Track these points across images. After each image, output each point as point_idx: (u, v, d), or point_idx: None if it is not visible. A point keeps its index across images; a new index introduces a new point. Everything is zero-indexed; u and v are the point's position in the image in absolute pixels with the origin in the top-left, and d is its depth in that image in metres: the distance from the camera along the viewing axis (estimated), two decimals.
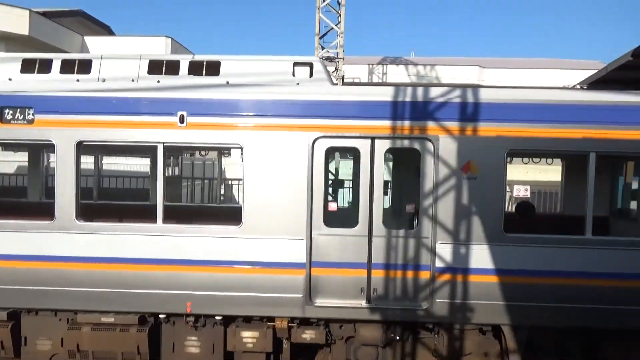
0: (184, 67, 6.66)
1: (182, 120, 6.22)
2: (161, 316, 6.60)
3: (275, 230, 6.29)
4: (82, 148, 6.34)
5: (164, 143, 6.29)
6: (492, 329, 6.62)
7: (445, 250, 6.29)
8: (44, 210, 6.85)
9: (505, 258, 6.24)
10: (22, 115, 6.19)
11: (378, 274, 6.36)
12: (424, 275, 6.33)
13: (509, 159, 6.41)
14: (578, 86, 9.76)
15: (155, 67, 6.63)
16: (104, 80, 6.50)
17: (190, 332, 6.62)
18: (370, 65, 23.48)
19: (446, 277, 6.31)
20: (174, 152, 7.59)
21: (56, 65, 6.61)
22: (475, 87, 6.56)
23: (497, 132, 6.25)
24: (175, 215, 6.91)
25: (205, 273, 6.29)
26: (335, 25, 16.60)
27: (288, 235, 6.29)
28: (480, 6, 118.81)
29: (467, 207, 6.27)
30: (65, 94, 6.28)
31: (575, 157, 7.30)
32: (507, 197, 13.98)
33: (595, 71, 9.31)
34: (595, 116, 6.25)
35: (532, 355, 6.55)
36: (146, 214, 6.79)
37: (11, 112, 6.19)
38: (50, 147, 6.65)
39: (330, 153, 6.62)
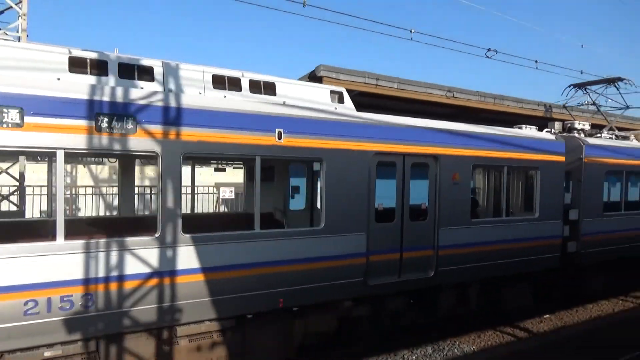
0: (245, 84, 7.26)
1: (279, 136, 6.99)
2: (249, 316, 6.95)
3: (347, 228, 7.59)
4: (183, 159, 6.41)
5: (261, 156, 6.88)
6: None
7: None
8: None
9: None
10: (121, 125, 5.94)
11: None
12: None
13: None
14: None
15: (218, 81, 7.08)
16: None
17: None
18: None
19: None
20: (267, 163, 8.16)
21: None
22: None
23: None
24: (266, 222, 7.45)
25: (295, 270, 7.13)
26: (16, 5, 12.50)
27: (355, 231, 7.65)
28: None
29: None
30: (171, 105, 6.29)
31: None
32: (216, 198, 16.56)
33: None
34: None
35: None
36: (243, 222, 7.46)
37: (109, 120, 5.85)
38: (151, 158, 6.66)
39: (379, 165, 8.06)
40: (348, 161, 7.57)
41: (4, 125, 5.32)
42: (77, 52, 6.27)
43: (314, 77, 11.70)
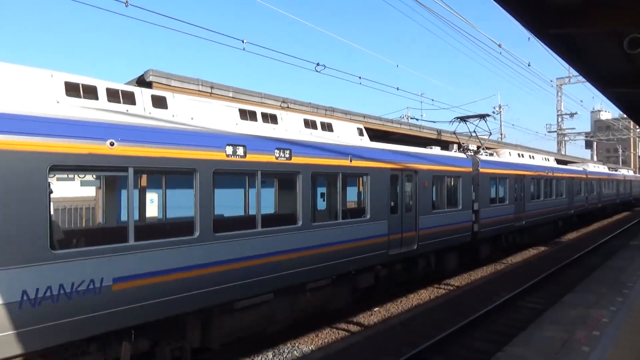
0: (318, 125, 10.55)
1: (351, 160, 10.62)
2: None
3: (379, 217, 11.45)
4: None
5: (342, 172, 10.55)
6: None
7: None
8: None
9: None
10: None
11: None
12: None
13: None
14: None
15: (310, 123, 10.33)
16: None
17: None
18: None
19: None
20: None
21: (259, 116, 9.20)
22: None
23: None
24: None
25: (357, 246, 10.74)
26: None
27: (382, 220, 11.55)
28: None
29: None
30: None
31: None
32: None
33: None
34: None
35: None
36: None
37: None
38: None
39: (395, 177, 12.27)
40: (380, 175, 11.53)
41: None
42: None
43: (142, 82, 11.03)
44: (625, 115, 18.25)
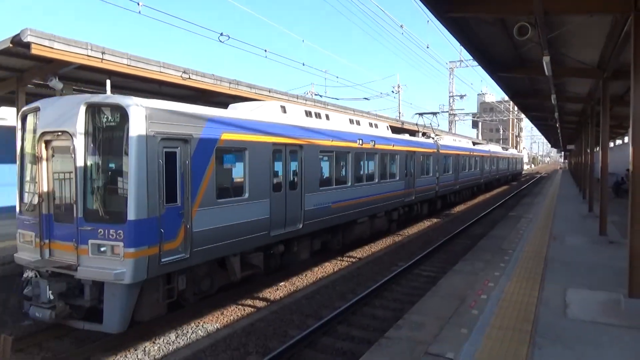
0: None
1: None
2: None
3: (401, 178, 19.22)
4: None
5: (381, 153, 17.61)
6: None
7: None
8: None
9: None
10: None
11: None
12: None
13: None
14: None
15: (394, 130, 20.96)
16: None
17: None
18: None
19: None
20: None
21: (363, 123, 17.37)
22: None
23: None
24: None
25: (388, 196, 18.03)
26: None
27: (401, 180, 19.24)
28: None
29: None
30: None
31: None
32: None
33: None
34: None
35: None
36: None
37: None
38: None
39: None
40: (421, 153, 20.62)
41: None
42: None
43: (19, 42, 9.74)
44: (507, 98, 21.54)
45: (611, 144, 38.55)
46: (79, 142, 7.97)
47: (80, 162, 7.93)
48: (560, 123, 29.56)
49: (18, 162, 9.16)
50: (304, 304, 10.29)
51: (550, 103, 17.80)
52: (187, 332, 8.87)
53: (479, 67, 13.61)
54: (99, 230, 7.74)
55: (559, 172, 80.00)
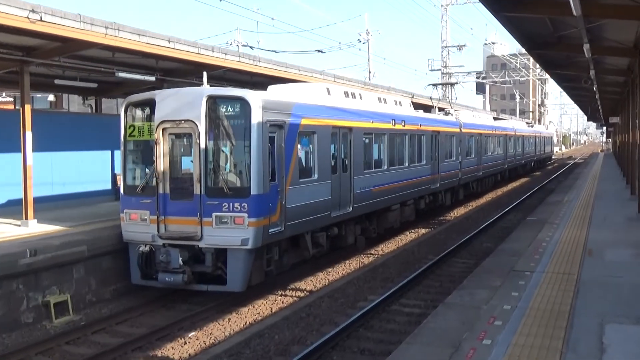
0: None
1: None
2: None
3: (429, 162, 19.19)
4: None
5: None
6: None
7: None
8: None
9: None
10: None
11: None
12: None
13: None
14: None
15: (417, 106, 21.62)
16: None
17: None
18: None
19: None
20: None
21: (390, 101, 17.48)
22: None
23: None
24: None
25: (419, 181, 18.07)
26: None
27: (429, 164, 19.14)
28: None
29: None
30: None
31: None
32: None
33: None
34: None
35: None
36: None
37: None
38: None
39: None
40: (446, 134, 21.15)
41: None
42: None
43: None
44: (523, 51, 15.99)
45: None
46: (202, 129, 9.26)
47: (203, 146, 9.22)
48: (598, 86, 21.42)
49: (122, 148, 10.30)
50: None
51: (582, 57, 13.17)
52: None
53: (483, 6, 9.83)
54: (223, 204, 9.02)
55: (599, 156, 60.96)
